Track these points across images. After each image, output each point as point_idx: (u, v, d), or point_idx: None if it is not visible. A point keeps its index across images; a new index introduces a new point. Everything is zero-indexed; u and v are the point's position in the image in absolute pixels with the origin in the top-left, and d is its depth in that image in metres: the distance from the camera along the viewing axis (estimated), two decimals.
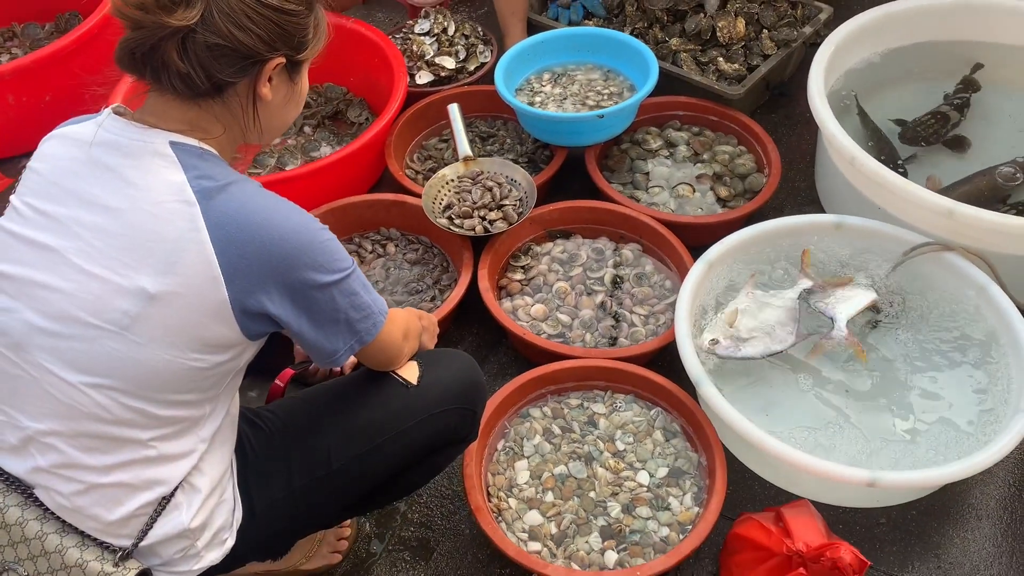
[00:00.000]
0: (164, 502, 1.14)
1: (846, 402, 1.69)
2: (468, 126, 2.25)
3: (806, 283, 1.77)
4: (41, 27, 2.74)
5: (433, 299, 1.95)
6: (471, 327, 1.99)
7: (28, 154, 2.45)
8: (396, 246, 2.08)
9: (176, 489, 1.14)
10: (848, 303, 1.76)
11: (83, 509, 1.12)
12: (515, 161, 2.21)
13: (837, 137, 1.91)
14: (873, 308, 1.79)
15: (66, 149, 1.12)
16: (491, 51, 2.49)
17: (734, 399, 1.61)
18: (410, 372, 1.34)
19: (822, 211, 2.18)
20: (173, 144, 1.08)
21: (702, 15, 2.33)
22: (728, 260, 1.85)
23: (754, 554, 1.43)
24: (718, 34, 2.32)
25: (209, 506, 1.18)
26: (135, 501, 1.12)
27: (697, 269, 1.79)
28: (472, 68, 2.45)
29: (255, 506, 1.26)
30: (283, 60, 1.10)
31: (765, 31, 2.36)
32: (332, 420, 1.32)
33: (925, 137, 2.17)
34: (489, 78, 2.43)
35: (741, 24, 2.33)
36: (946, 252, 1.78)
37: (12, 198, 1.13)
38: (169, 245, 1.05)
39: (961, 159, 2.13)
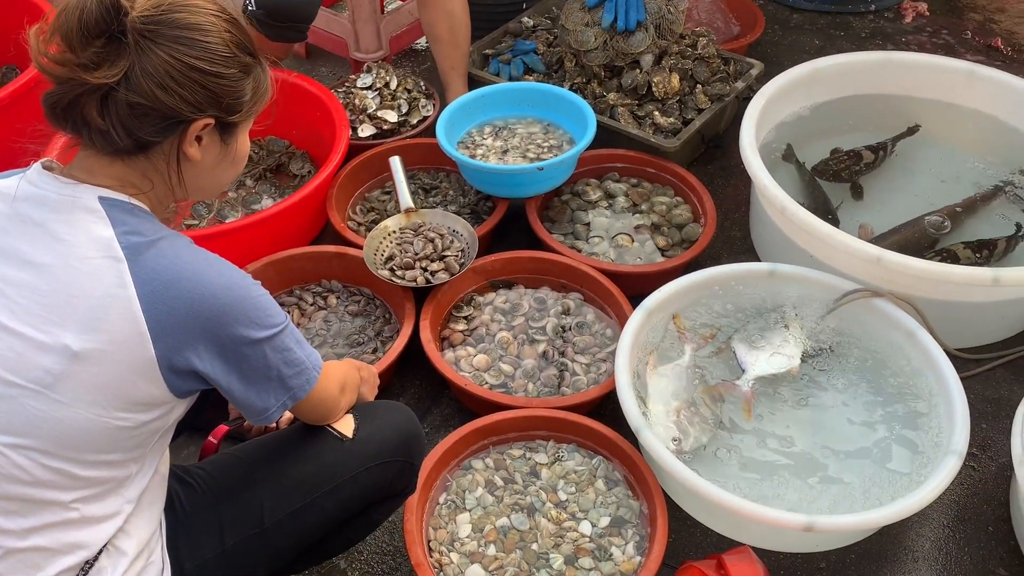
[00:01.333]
0: (87, 566, 1.10)
1: (785, 450, 1.72)
2: (411, 178, 2.28)
3: (690, 347, 1.80)
4: None
5: (375, 351, 1.94)
6: (413, 379, 1.98)
7: None
8: (337, 298, 2.07)
9: (100, 552, 1.11)
10: (768, 362, 1.80)
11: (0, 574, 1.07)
12: (458, 213, 2.23)
13: (768, 188, 1.97)
14: (791, 375, 1.82)
15: None
16: (433, 105, 2.52)
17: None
18: (345, 425, 1.33)
19: (757, 259, 2.23)
20: (102, 199, 1.07)
21: (638, 71, 2.40)
22: (666, 308, 1.88)
23: None
24: (654, 89, 2.38)
25: (136, 569, 1.14)
26: (55, 566, 1.08)
27: (636, 317, 1.81)
28: (415, 121, 2.48)
29: (184, 567, 1.22)
30: (211, 121, 1.08)
31: (699, 86, 2.44)
32: (265, 476, 1.29)
33: (835, 172, 2.25)
34: (431, 131, 2.46)
35: (676, 79, 2.40)
36: (876, 299, 1.83)
37: None
38: (95, 301, 1.03)
39: (881, 205, 2.21)
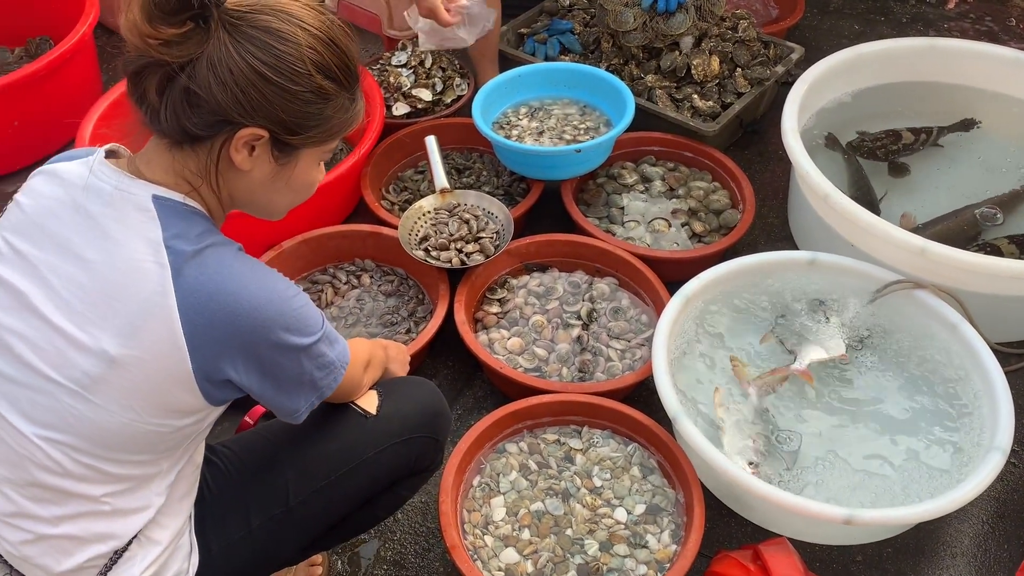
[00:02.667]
0: (116, 555, 1.09)
1: (827, 439, 1.70)
2: (444, 158, 2.25)
3: (752, 389, 1.75)
4: (11, 51, 2.70)
5: (408, 331, 1.93)
6: (446, 360, 1.97)
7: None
8: (371, 277, 2.06)
9: (131, 541, 1.10)
10: (815, 351, 1.78)
11: (30, 558, 1.07)
12: (491, 194, 2.20)
13: (811, 175, 1.93)
14: (840, 360, 1.80)
15: (52, 188, 1.07)
16: (468, 84, 2.49)
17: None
18: (369, 402, 1.31)
19: (795, 247, 2.20)
20: (156, 199, 1.04)
21: (677, 53, 2.36)
22: (704, 295, 1.85)
23: None
24: (693, 72, 2.35)
25: (165, 556, 1.13)
26: (85, 553, 1.07)
27: (674, 304, 1.79)
28: (449, 100, 2.45)
29: (212, 548, 1.22)
30: (263, 133, 1.03)
31: (739, 69, 2.40)
32: (289, 454, 1.29)
33: (872, 151, 2.21)
34: (465, 111, 2.44)
35: (716, 62, 2.36)
36: (918, 290, 1.80)
37: None
38: (135, 307, 1.00)
39: (923, 194, 2.17)
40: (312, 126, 1.06)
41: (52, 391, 1.02)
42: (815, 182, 1.92)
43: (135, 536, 1.10)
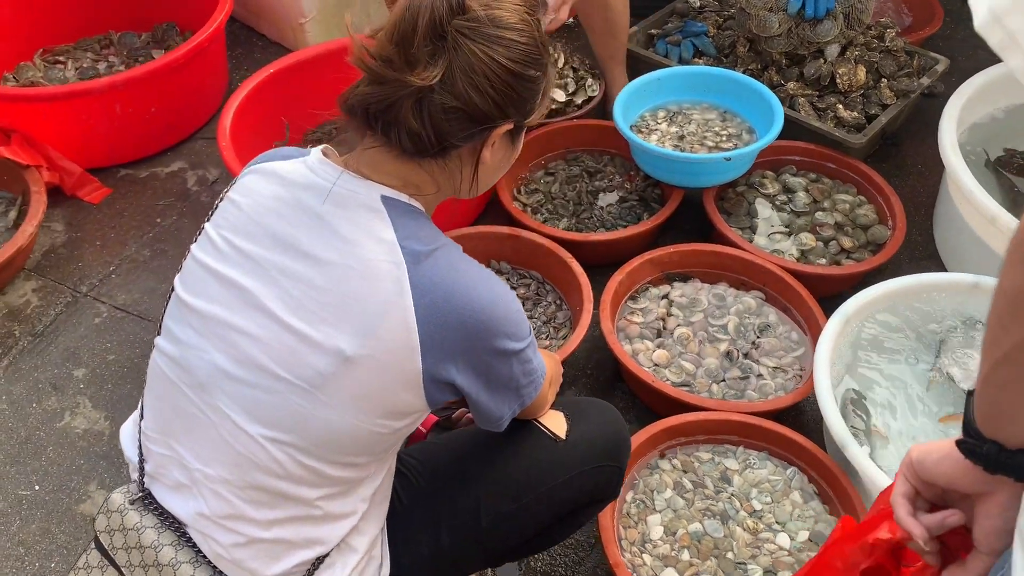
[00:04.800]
0: (318, 561, 1.08)
1: None
2: (575, 160, 2.25)
3: None
4: (138, 36, 2.73)
5: (548, 337, 1.90)
6: (585, 368, 1.93)
7: (127, 164, 2.43)
8: (508, 280, 2.03)
9: (333, 548, 1.08)
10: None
11: (241, 562, 1.06)
12: (623, 199, 2.18)
13: (975, 194, 1.85)
14: None
15: (271, 187, 1.06)
16: (599, 85, 2.45)
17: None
18: (557, 424, 1.28)
19: (941, 266, 2.12)
20: (385, 199, 1.02)
21: (822, 61, 2.29)
22: (864, 313, 1.79)
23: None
24: (838, 81, 2.27)
25: (361, 566, 1.12)
26: (293, 559, 1.06)
27: (833, 323, 1.73)
28: (579, 101, 2.41)
29: (402, 562, 1.20)
30: (511, 125, 1.04)
31: (884, 80, 2.32)
32: (480, 473, 1.26)
33: (1022, 166, 2.12)
34: (596, 112, 2.40)
35: (862, 72, 2.28)
36: None
37: (207, 227, 1.08)
38: (372, 307, 0.99)
39: None
40: (539, 102, 1.08)
41: (281, 390, 1.01)
42: (981, 202, 1.84)
43: (337, 544, 1.09)
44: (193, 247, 1.10)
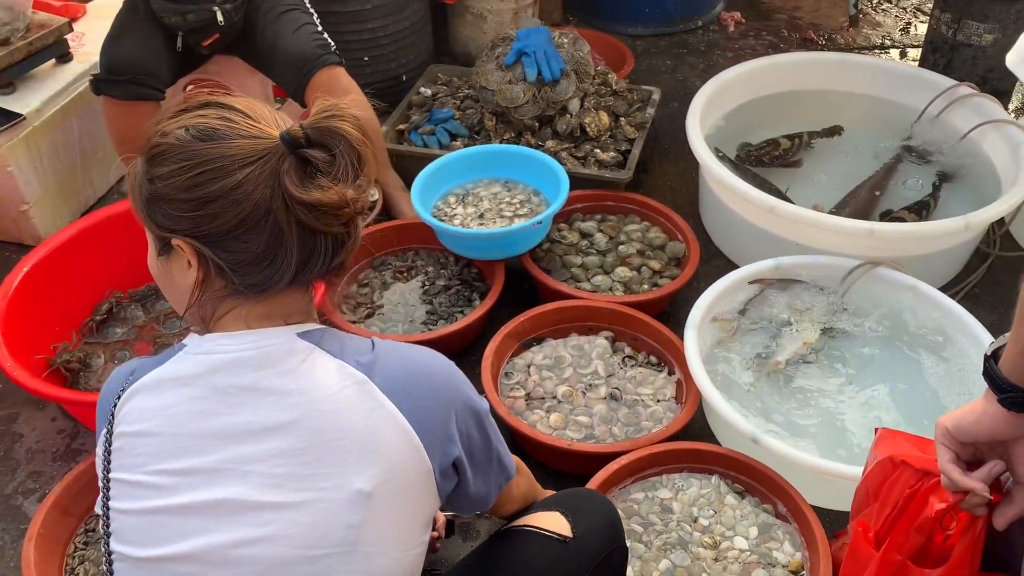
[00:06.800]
0: None
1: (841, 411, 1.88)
2: (382, 265, 2.26)
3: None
4: None
5: None
6: None
7: None
8: None
9: None
10: (786, 348, 2.00)
11: None
12: (446, 286, 2.22)
13: (750, 193, 2.14)
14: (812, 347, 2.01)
15: (173, 394, 0.96)
16: (377, 189, 2.47)
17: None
18: (559, 525, 1.28)
19: (729, 261, 2.40)
20: (301, 335, 0.99)
21: (569, 115, 2.50)
22: (707, 319, 1.98)
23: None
24: (588, 130, 2.50)
25: None
26: None
27: (690, 336, 1.89)
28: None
29: None
30: None
31: (622, 119, 2.59)
32: None
33: (757, 158, 2.51)
34: (382, 216, 2.43)
35: (605, 117, 2.53)
36: (877, 268, 2.04)
37: (117, 476, 0.96)
38: (362, 432, 0.95)
39: (813, 188, 2.48)
40: None
41: (322, 570, 0.93)
42: (758, 198, 2.13)
43: None
44: (113, 504, 0.97)
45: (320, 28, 2.29)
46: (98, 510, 0.99)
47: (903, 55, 3.42)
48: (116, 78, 2.16)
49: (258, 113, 0.97)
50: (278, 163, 0.92)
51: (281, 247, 0.95)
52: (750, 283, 2.06)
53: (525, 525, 1.27)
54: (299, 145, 0.93)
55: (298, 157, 0.93)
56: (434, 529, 1.53)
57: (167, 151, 0.94)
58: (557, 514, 1.29)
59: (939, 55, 2.82)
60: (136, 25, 2.17)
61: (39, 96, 2.39)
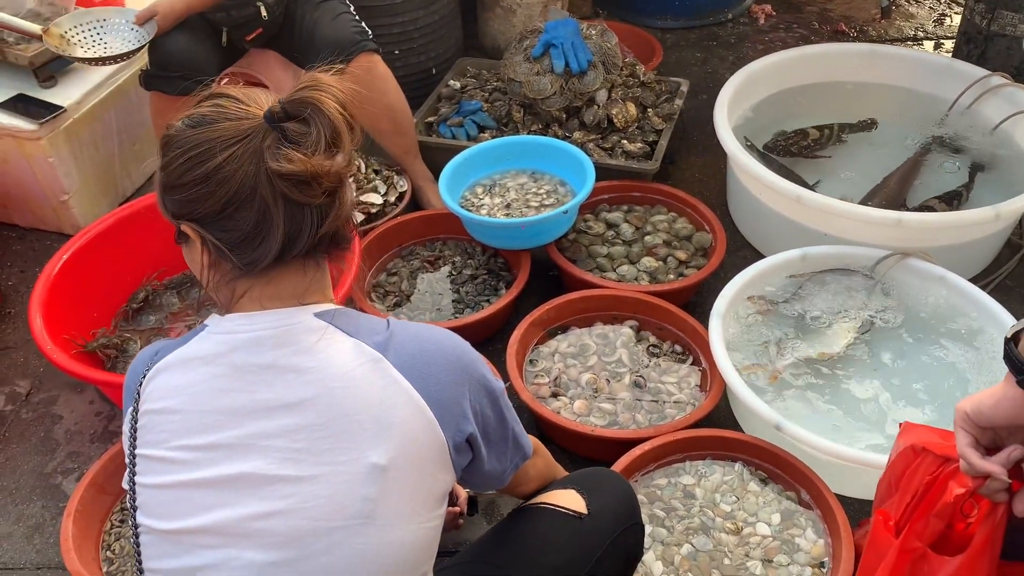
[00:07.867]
0: None
1: (877, 405, 1.87)
2: (410, 255, 2.29)
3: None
4: None
5: None
6: None
7: None
8: None
9: None
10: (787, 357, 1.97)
11: None
12: (473, 275, 2.24)
13: (777, 184, 2.14)
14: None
15: (196, 372, 0.99)
16: (406, 179, 2.50)
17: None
18: (575, 502, 1.31)
19: (756, 251, 2.40)
20: (317, 315, 1.01)
21: (596, 107, 2.52)
22: (731, 309, 1.98)
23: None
24: (615, 120, 2.51)
25: None
26: None
27: (714, 325, 1.89)
28: (394, 199, 2.45)
29: None
30: None
31: (650, 110, 2.59)
32: (521, 570, 1.25)
33: (785, 148, 2.49)
34: (410, 206, 2.46)
35: (632, 108, 2.54)
36: (906, 259, 2.03)
37: (143, 451, 1.00)
38: (377, 408, 0.97)
39: (839, 182, 2.46)
40: None
41: (339, 541, 0.95)
42: (784, 187, 2.12)
43: None
44: (139, 479, 1.00)
45: (358, 17, 2.32)
46: (125, 485, 1.03)
47: (937, 47, 3.39)
48: (168, 74, 2.21)
49: (251, 97, 0.99)
50: (261, 140, 0.95)
51: (270, 223, 0.97)
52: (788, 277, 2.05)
53: (541, 502, 1.29)
54: (278, 119, 0.95)
55: (279, 131, 0.96)
56: (456, 505, 1.56)
57: (167, 142, 0.99)
58: (573, 492, 1.31)
59: (973, 46, 2.79)
60: (184, 22, 2.22)
61: (79, 89, 2.46)
